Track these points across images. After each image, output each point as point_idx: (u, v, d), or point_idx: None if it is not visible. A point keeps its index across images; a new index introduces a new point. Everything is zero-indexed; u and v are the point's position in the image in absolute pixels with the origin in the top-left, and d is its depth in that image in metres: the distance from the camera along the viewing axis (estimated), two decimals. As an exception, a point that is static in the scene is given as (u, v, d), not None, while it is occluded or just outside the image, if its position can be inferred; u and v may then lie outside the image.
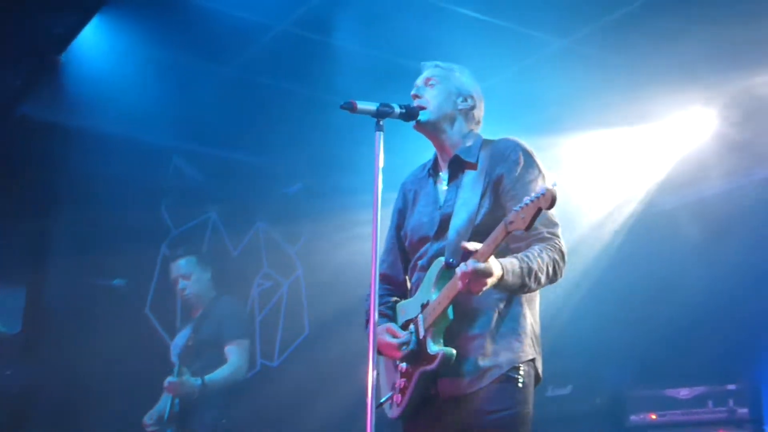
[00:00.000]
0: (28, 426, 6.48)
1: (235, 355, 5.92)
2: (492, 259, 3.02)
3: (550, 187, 2.84)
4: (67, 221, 6.84)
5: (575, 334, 6.76)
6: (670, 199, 7.10)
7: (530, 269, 3.15)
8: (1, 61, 5.51)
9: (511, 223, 2.95)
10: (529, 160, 3.43)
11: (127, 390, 6.44)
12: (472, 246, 3.02)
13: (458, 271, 3.03)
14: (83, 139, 6.58)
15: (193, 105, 6.52)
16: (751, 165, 6.64)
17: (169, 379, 5.67)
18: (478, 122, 3.67)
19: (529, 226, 2.91)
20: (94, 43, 5.60)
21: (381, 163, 3.23)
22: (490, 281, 3.02)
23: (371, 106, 3.28)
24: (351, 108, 3.25)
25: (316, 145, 7.08)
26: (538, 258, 3.19)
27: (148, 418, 5.94)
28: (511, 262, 3.12)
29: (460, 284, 3.06)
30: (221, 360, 5.87)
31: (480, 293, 3.05)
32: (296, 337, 7.85)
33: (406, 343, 3.34)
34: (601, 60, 5.89)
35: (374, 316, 3.10)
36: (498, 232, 2.99)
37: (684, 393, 6.32)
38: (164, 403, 5.97)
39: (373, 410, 2.97)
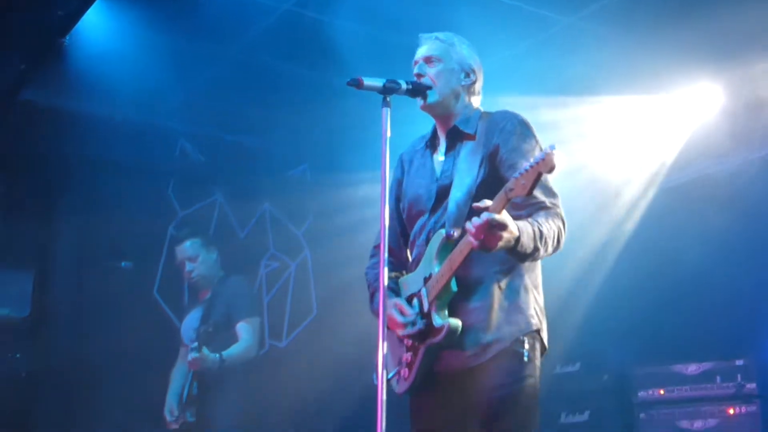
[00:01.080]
0: (37, 409, 6.50)
1: (246, 332, 5.93)
2: (506, 215, 2.97)
3: (549, 150, 2.81)
4: (74, 205, 6.85)
5: (583, 312, 6.77)
6: (678, 175, 7.08)
7: (541, 233, 3.12)
8: (4, 44, 5.49)
9: (511, 190, 2.91)
10: (525, 131, 3.41)
11: (135, 372, 6.47)
12: (483, 203, 2.96)
13: (470, 225, 2.96)
14: (88, 123, 6.58)
15: (198, 87, 6.53)
16: (758, 141, 6.62)
17: (191, 354, 5.67)
18: (478, 93, 3.65)
19: (530, 192, 2.87)
20: (98, 25, 5.57)
21: (388, 139, 3.22)
22: (506, 236, 2.96)
23: (378, 83, 3.28)
24: (357, 84, 3.25)
25: (321, 126, 7.08)
26: (546, 224, 3.17)
27: (168, 414, 5.93)
28: (524, 224, 3.09)
29: (473, 240, 2.99)
30: (233, 339, 5.88)
31: (496, 249, 2.99)
32: (304, 318, 7.87)
33: (412, 323, 3.34)
34: (607, 37, 5.86)
35: (383, 289, 3.08)
36: (499, 198, 2.95)
37: (692, 369, 6.31)
38: (178, 386, 6.00)
39: (384, 385, 2.97)
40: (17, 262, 6.74)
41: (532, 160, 2.85)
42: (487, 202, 2.96)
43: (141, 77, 6.11)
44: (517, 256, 3.14)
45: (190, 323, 6.12)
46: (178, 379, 6.04)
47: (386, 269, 3.11)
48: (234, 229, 7.88)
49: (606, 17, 5.67)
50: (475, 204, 3.00)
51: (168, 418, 5.93)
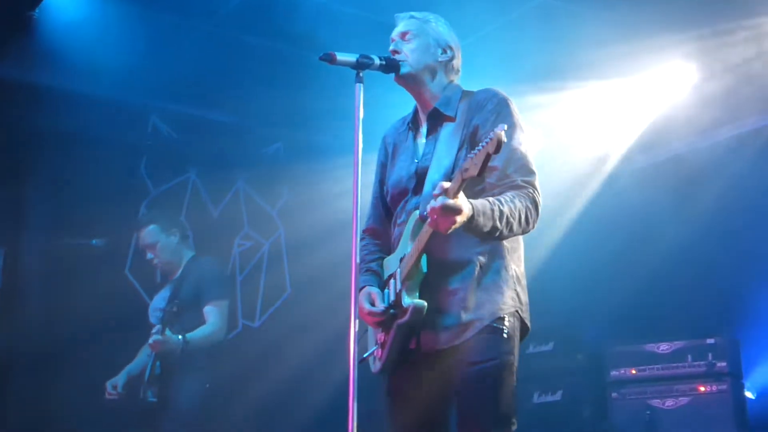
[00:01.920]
0: (7, 384, 6.44)
1: (214, 315, 5.87)
2: (462, 197, 2.98)
3: (497, 131, 2.79)
4: (45, 181, 6.77)
5: (556, 291, 6.78)
6: (653, 154, 7.11)
7: (501, 212, 3.11)
8: (-28, 16, 5.42)
9: (465, 170, 2.90)
10: (505, 110, 3.39)
11: (106, 350, 6.41)
12: (440, 186, 2.97)
13: (428, 207, 2.99)
14: (59, 98, 6.49)
15: (171, 62, 6.46)
16: (727, 120, 6.66)
17: (154, 337, 5.62)
18: (457, 71, 3.64)
19: (481, 172, 2.86)
20: (67, -3, 5.51)
21: (361, 115, 3.20)
22: (459, 219, 2.97)
23: (351, 58, 3.26)
24: (330, 59, 3.23)
25: (296, 104, 7.02)
26: (510, 203, 3.16)
27: (110, 386, 5.88)
28: (482, 203, 3.09)
29: (429, 222, 3.02)
30: (201, 321, 5.84)
31: (448, 231, 3.00)
32: (278, 297, 7.84)
33: (379, 314, 3.35)
34: (581, 15, 5.84)
35: (355, 269, 3.09)
36: (455, 180, 2.95)
37: (663, 348, 6.36)
38: (138, 365, 5.96)
39: (356, 367, 2.97)
40: (-13, 238, 6.66)
41: (485, 140, 2.84)
42: (445, 185, 2.96)
43: (113, 52, 6.05)
44: (475, 234, 3.12)
45: (157, 303, 6.08)
46: (142, 357, 6.00)
47: (358, 250, 3.14)
48: (207, 208, 7.83)
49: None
50: (434, 192, 3.00)
51: (108, 389, 5.88)
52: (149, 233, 6.09)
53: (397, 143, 3.69)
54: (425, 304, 3.23)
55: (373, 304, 3.39)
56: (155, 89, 6.91)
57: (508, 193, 3.21)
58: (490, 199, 3.15)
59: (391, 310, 3.32)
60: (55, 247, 6.71)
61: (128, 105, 7.03)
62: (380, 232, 3.71)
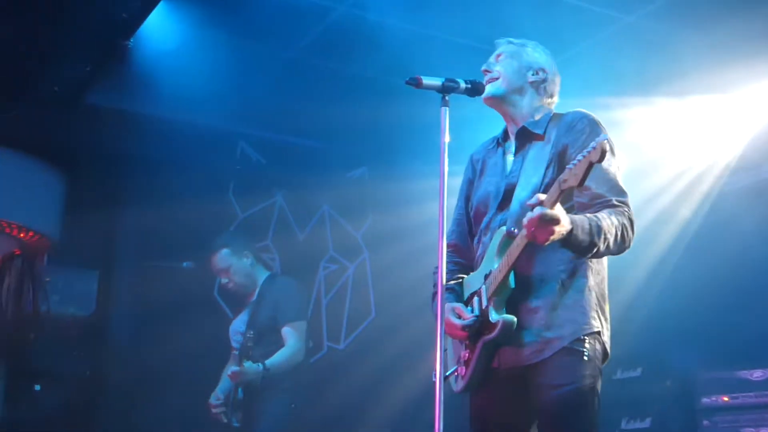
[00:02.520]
0: (98, 407, 6.60)
1: (292, 338, 5.91)
2: (560, 209, 2.96)
3: (600, 140, 2.78)
4: (137, 206, 6.95)
5: (645, 315, 6.67)
6: (743, 176, 6.94)
7: (599, 228, 3.09)
8: (69, 47, 5.57)
9: (564, 181, 2.89)
10: (595, 129, 3.39)
11: (195, 373, 6.53)
12: (536, 198, 2.96)
13: (525, 219, 2.98)
14: (151, 124, 6.67)
15: (258, 89, 6.57)
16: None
17: (232, 368, 5.68)
18: (551, 96, 3.66)
19: (582, 182, 2.84)
20: (160, 27, 5.63)
21: (447, 139, 3.22)
22: (558, 230, 2.95)
23: (437, 81, 3.29)
24: (416, 83, 3.26)
25: (381, 128, 7.07)
26: (608, 219, 3.14)
27: (214, 398, 5.95)
28: (580, 218, 3.08)
29: (525, 232, 3.01)
30: (280, 343, 5.88)
31: (547, 242, 2.98)
32: (362, 320, 7.87)
33: (470, 327, 3.33)
34: (668, 35, 5.77)
35: (441, 289, 3.08)
36: (553, 191, 2.93)
37: (757, 375, 6.19)
38: (226, 385, 6.02)
39: (442, 385, 2.97)
40: (82, 261, 6.87)
41: (584, 151, 2.82)
42: (541, 197, 2.95)
43: (203, 80, 6.18)
44: (573, 249, 3.11)
45: (237, 326, 6.13)
46: (226, 380, 6.06)
47: (444, 271, 3.13)
48: (293, 231, 7.93)
49: (667, 15, 5.59)
50: (529, 202, 2.99)
51: (212, 401, 5.93)
52: (222, 258, 6.16)
53: (485, 159, 3.70)
54: (515, 319, 3.23)
55: (460, 318, 3.38)
56: (243, 115, 7.05)
57: (604, 211, 3.19)
58: (588, 214, 3.14)
59: (477, 323, 3.31)
60: (147, 270, 6.87)
61: (217, 131, 7.18)
62: (462, 250, 3.72)
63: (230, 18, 5.78)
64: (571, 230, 3.00)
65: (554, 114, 3.56)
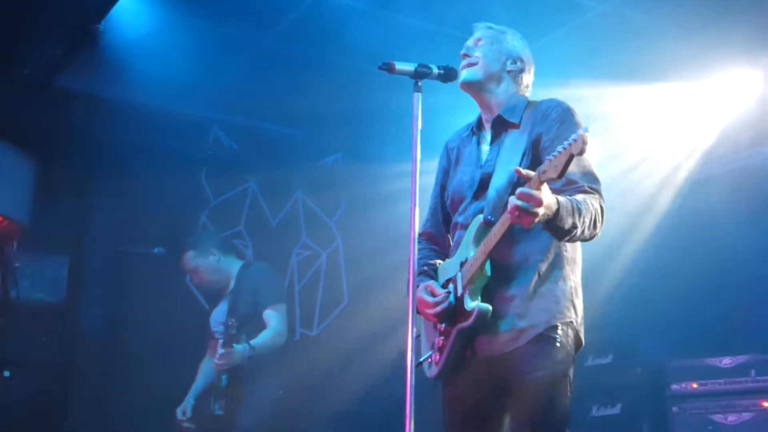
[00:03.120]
0: (71, 392, 6.56)
1: (274, 319, 5.91)
2: (545, 189, 2.94)
3: (581, 132, 2.78)
4: (108, 191, 6.91)
5: (615, 304, 6.71)
6: (716, 165, 6.98)
7: (579, 210, 3.09)
8: (41, 30, 5.52)
9: (544, 172, 2.88)
10: (570, 119, 3.39)
11: (167, 358, 6.50)
12: (526, 172, 2.94)
13: (510, 201, 2.95)
14: (122, 109, 6.62)
15: (231, 75, 6.54)
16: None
17: (219, 351, 5.67)
18: (527, 86, 3.66)
19: (562, 174, 2.84)
20: (132, 11, 5.59)
21: (419, 125, 3.21)
22: (543, 212, 2.93)
23: (409, 67, 3.28)
24: (389, 69, 3.25)
25: (354, 115, 7.07)
26: (584, 204, 3.14)
27: (180, 413, 5.93)
28: (564, 199, 3.06)
29: (508, 217, 2.99)
30: (262, 327, 5.88)
31: (532, 225, 2.97)
32: (335, 307, 7.87)
33: (443, 301, 3.34)
34: (642, 23, 5.79)
35: (413, 276, 3.09)
36: (533, 182, 2.92)
37: (726, 362, 6.23)
38: (201, 384, 6.03)
39: (413, 370, 2.97)
40: (53, 247, 6.81)
41: (565, 142, 2.82)
42: (530, 173, 2.93)
43: (175, 64, 6.12)
44: (554, 231, 3.10)
45: (217, 316, 6.11)
46: (205, 373, 6.06)
47: (416, 256, 3.12)
48: (266, 217, 7.91)
49: (641, 3, 5.60)
50: (517, 168, 2.98)
51: (179, 416, 5.93)
52: (188, 260, 6.17)
53: (460, 148, 3.70)
54: (490, 308, 3.24)
55: (433, 295, 3.39)
56: (216, 101, 7.02)
57: (579, 195, 3.20)
58: (566, 196, 3.13)
59: (447, 304, 3.31)
60: (118, 256, 6.83)
61: (190, 117, 7.14)
62: (437, 238, 3.74)
63: (204, 2, 5.74)
64: (557, 210, 2.99)
65: (529, 102, 3.56)
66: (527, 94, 3.66)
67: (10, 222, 6.34)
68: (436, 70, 3.34)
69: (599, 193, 3.28)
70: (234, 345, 5.61)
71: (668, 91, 6.40)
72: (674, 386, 6.44)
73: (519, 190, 2.92)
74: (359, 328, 7.28)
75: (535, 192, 2.89)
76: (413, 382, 2.97)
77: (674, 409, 6.39)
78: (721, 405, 6.16)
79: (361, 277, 7.53)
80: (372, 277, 7.18)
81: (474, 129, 3.67)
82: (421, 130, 3.24)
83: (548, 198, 2.94)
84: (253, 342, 5.71)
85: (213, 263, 6.16)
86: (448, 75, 3.40)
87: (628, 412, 6.66)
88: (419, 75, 3.28)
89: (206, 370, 6.10)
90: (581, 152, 2.78)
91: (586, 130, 2.78)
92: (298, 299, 7.82)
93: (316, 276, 7.98)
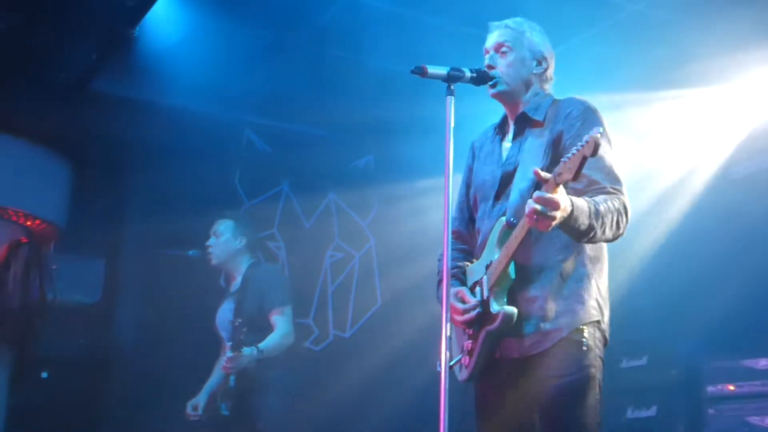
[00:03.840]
0: (105, 394, 6.63)
1: (281, 322, 5.89)
2: (561, 192, 2.93)
3: (593, 134, 2.76)
4: (143, 194, 6.98)
5: (650, 305, 6.66)
6: (746, 165, 6.91)
7: (597, 211, 3.07)
8: (77, 34, 5.59)
9: (559, 174, 2.87)
10: (591, 117, 3.36)
11: (201, 360, 6.53)
12: (544, 175, 2.93)
13: (526, 206, 2.95)
14: (157, 113, 6.68)
15: (264, 77, 6.57)
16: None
17: (228, 355, 5.67)
18: (550, 79, 3.64)
19: (576, 176, 2.82)
20: (166, 15, 5.64)
21: (452, 128, 3.21)
22: (559, 215, 2.92)
23: (442, 71, 3.26)
24: (421, 72, 3.23)
25: (387, 117, 7.07)
26: (604, 204, 3.12)
27: (191, 408, 5.94)
28: (580, 200, 3.05)
29: (527, 220, 2.99)
30: (269, 330, 5.87)
31: (549, 228, 2.96)
32: (368, 309, 7.88)
33: (473, 308, 3.34)
34: (674, 24, 5.75)
35: (446, 277, 3.09)
36: (549, 185, 2.91)
37: (763, 363, 6.16)
38: (214, 382, 6.02)
39: (447, 373, 2.97)
40: (89, 249, 6.90)
41: (578, 144, 2.81)
42: (546, 175, 2.92)
43: (208, 67, 6.19)
44: (571, 232, 3.08)
45: (223, 315, 6.12)
46: (218, 372, 6.07)
47: (449, 257, 3.11)
48: (300, 219, 7.94)
49: (673, 4, 5.56)
50: (536, 170, 2.96)
51: (188, 409, 5.94)
52: (224, 225, 6.17)
53: (484, 146, 3.71)
54: (515, 310, 3.23)
55: (463, 302, 3.40)
56: (249, 104, 7.06)
57: (600, 196, 3.18)
58: (585, 198, 3.11)
59: (479, 309, 3.32)
60: (153, 258, 6.89)
61: (223, 119, 7.18)
62: (464, 236, 3.74)
63: (236, 5, 5.77)
64: (572, 212, 2.97)
65: (554, 100, 3.55)
66: (551, 86, 3.63)
67: (47, 224, 6.42)
68: (468, 74, 3.33)
69: (622, 193, 3.25)
70: (243, 348, 5.61)
71: (698, 93, 6.35)
72: (710, 388, 6.37)
73: (536, 193, 2.91)
74: (392, 330, 7.29)
75: (551, 195, 2.89)
76: (447, 384, 2.97)
77: (710, 411, 6.32)
78: (758, 407, 6.09)
79: (394, 278, 7.54)
80: (405, 278, 7.18)
81: (497, 128, 3.67)
82: (454, 133, 3.24)
83: (564, 200, 2.93)
84: (261, 345, 5.69)
85: (234, 246, 6.15)
86: (481, 78, 3.39)
87: (664, 414, 6.60)
88: (452, 78, 3.26)
89: (218, 369, 6.10)
90: (594, 153, 2.76)
91: (598, 130, 2.76)
92: (331, 301, 7.84)
93: (349, 278, 7.99)
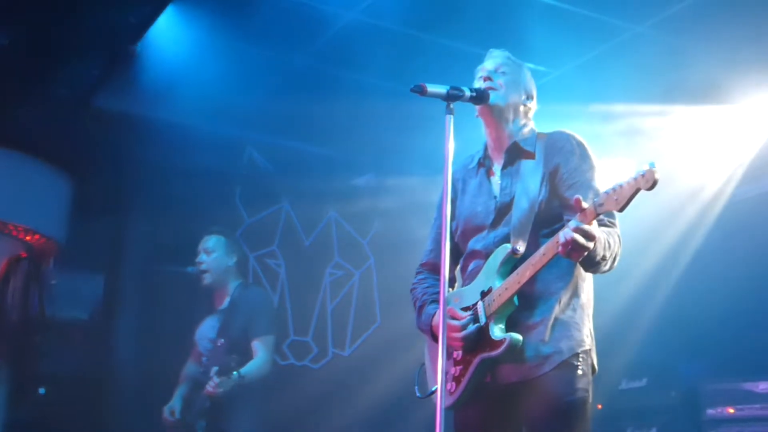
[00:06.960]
0: (103, 411, 6.60)
1: (261, 351, 5.89)
2: (595, 225, 2.98)
3: (650, 167, 2.77)
4: (143, 210, 6.97)
5: (650, 326, 6.65)
6: (751, 187, 6.91)
7: (609, 243, 3.13)
8: (77, 51, 5.60)
9: (600, 205, 2.89)
10: (584, 152, 3.45)
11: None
12: (584, 203, 2.95)
13: (562, 235, 2.97)
14: (158, 129, 6.67)
15: (266, 95, 6.57)
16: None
17: (215, 380, 5.63)
18: (531, 119, 3.68)
19: (623, 208, 2.84)
20: (168, 32, 5.65)
21: (451, 147, 3.22)
22: (593, 246, 2.98)
23: (441, 89, 3.28)
24: (421, 91, 3.24)
25: (386, 135, 7.08)
26: (612, 236, 3.18)
27: (169, 414, 5.94)
28: (599, 231, 3.07)
29: (560, 249, 3.00)
30: (249, 355, 5.87)
31: (579, 259, 3.02)
32: (368, 327, 7.87)
33: (467, 325, 3.33)
34: (676, 46, 5.76)
35: (444, 300, 3.08)
36: (588, 213, 2.93)
37: (762, 386, 6.16)
38: (185, 389, 6.03)
39: (443, 391, 2.96)
40: (88, 265, 6.89)
41: (630, 176, 2.82)
42: (585, 204, 2.95)
43: (209, 84, 6.19)
44: (586, 262, 3.12)
45: (205, 331, 6.10)
46: (187, 382, 6.05)
47: (447, 281, 3.11)
48: (299, 237, 7.94)
49: (676, 26, 5.58)
50: (576, 197, 2.97)
51: (166, 414, 5.93)
52: (216, 241, 6.16)
53: (466, 179, 3.71)
54: (521, 338, 3.24)
55: (455, 318, 3.39)
56: (250, 121, 7.06)
57: (603, 229, 3.19)
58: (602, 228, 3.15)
59: (471, 329, 3.30)
60: (153, 274, 6.88)
61: (224, 136, 7.18)
62: (438, 267, 3.68)
63: (238, 23, 5.78)
64: (594, 242, 3.01)
65: (538, 133, 3.59)
66: (532, 125, 3.67)
67: (47, 240, 6.42)
68: (468, 93, 3.35)
69: (616, 226, 3.32)
70: (233, 374, 5.59)
71: (702, 114, 6.36)
72: (710, 411, 6.37)
73: (574, 224, 2.94)
74: (392, 349, 7.26)
75: (590, 228, 2.93)
76: (443, 404, 2.97)
77: (709, 433, 6.32)
78: (758, 430, 6.07)
79: (394, 296, 7.52)
80: (405, 296, 7.07)
81: (481, 160, 3.67)
82: (454, 151, 3.25)
83: (598, 231, 3.00)
84: (242, 371, 5.67)
85: (226, 263, 6.14)
86: (480, 97, 3.43)
87: (663, 436, 6.59)
88: (451, 97, 3.28)
89: (187, 380, 6.09)
90: (652, 187, 2.77)
91: (652, 165, 2.76)
92: (330, 319, 7.83)
93: (348, 296, 7.98)
